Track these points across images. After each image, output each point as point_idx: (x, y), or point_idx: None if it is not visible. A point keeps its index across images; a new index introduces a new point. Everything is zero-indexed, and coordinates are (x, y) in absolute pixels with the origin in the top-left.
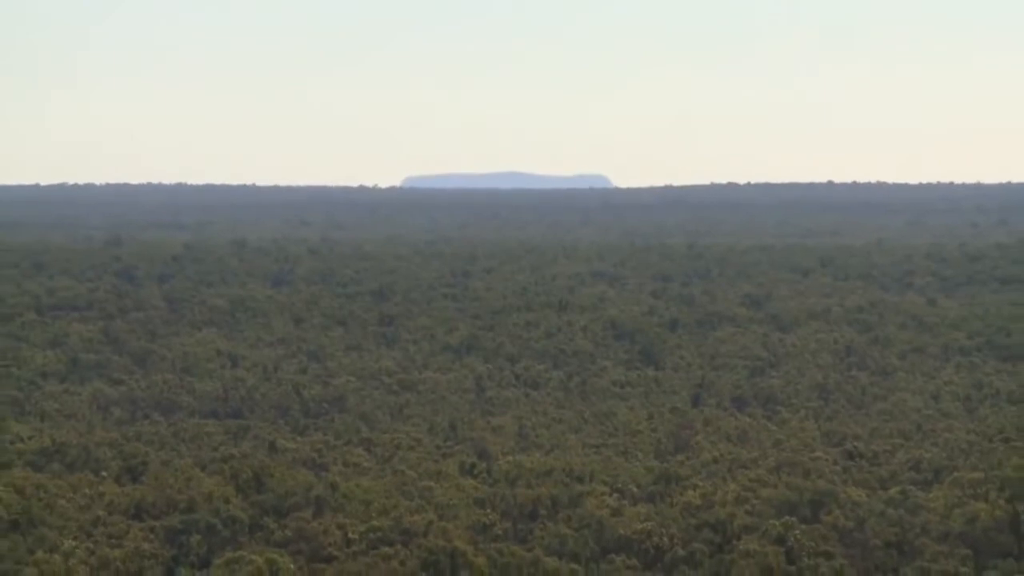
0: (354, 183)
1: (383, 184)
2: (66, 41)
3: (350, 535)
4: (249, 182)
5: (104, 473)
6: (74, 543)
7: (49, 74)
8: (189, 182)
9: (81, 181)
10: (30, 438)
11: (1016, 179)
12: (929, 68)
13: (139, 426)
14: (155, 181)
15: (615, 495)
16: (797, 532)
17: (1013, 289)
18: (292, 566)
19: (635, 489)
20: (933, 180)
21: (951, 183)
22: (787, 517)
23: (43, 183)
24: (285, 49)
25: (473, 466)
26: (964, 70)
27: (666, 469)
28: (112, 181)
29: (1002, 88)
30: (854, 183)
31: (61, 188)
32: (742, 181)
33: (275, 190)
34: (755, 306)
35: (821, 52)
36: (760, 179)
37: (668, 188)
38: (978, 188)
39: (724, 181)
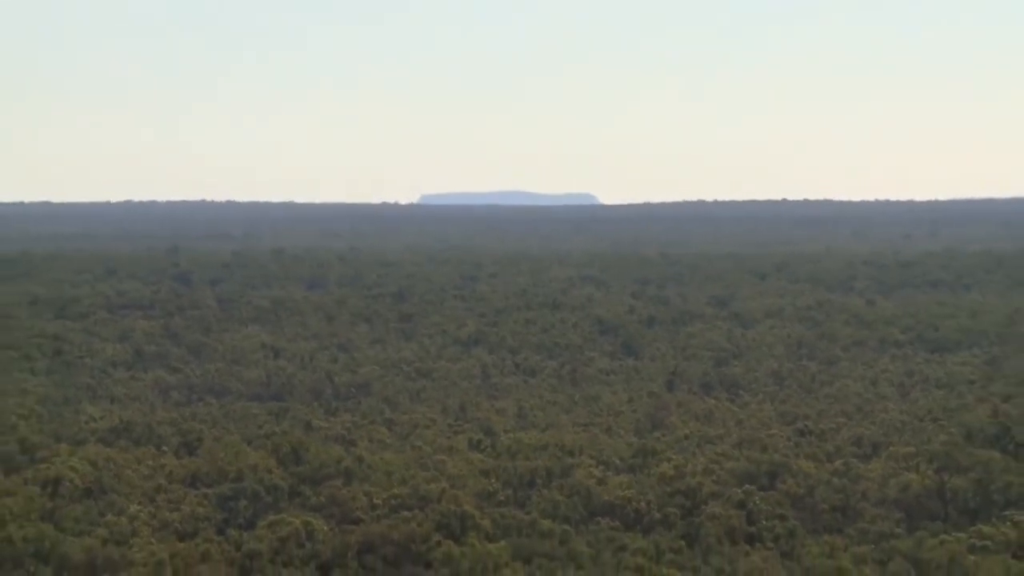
0: (377, 200)
1: (402, 201)
2: (125, 76)
3: (375, 501)
4: (288, 199)
5: (165, 448)
6: (139, 508)
7: (119, 104)
8: (237, 200)
9: (145, 199)
10: (101, 418)
11: (943, 197)
12: (867, 101)
13: (195, 408)
14: (208, 199)
15: (600, 467)
16: (756, 498)
17: (940, 291)
18: (325, 527)
19: (618, 461)
20: (872, 198)
21: (887, 200)
22: (747, 485)
23: (112, 200)
24: (322, 87)
25: (479, 442)
26: (897, 104)
27: (644, 444)
28: (171, 199)
29: (929, 118)
30: (805, 200)
31: (127, 205)
32: (709, 199)
33: (310, 206)
34: (720, 305)
35: (776, 88)
36: (725, 197)
37: (646, 204)
38: (911, 204)
39: (694, 199)
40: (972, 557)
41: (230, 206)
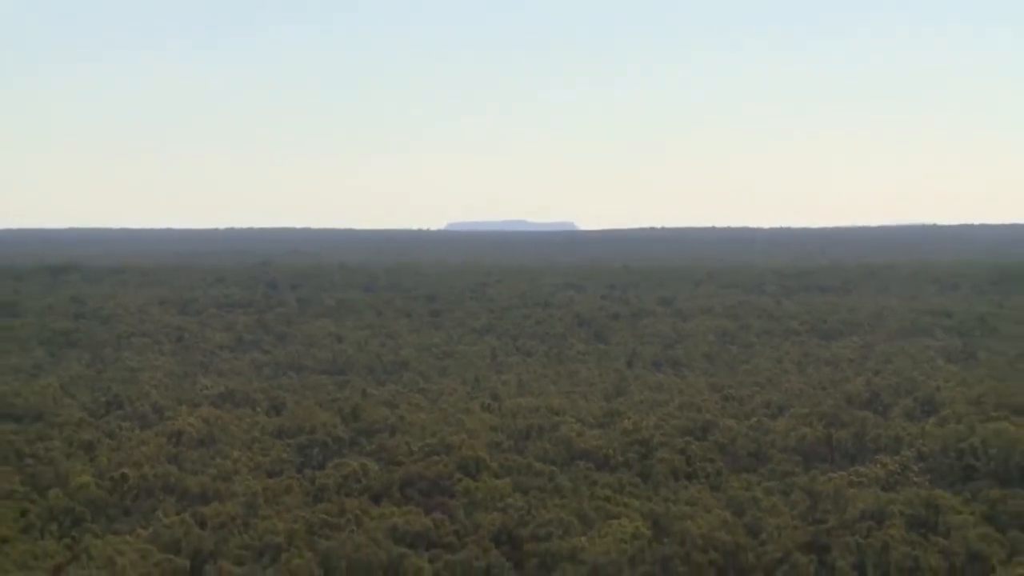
0: (414, 226)
1: (433, 227)
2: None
3: (412, 448)
4: (349, 227)
5: (258, 409)
6: (239, 453)
7: (226, 153)
8: (311, 227)
9: (243, 226)
10: (212, 387)
11: (832, 224)
12: (768, 147)
13: (280, 380)
14: (290, 226)
15: (579, 423)
16: (693, 446)
17: (828, 294)
18: (376, 468)
19: (591, 419)
20: (778, 225)
21: (790, 227)
22: (687, 437)
23: (220, 227)
24: (370, 143)
25: (489, 405)
26: (792, 148)
27: (611, 407)
28: (264, 226)
29: (818, 160)
30: (728, 227)
31: (231, 231)
32: (659, 226)
33: (365, 231)
34: (667, 304)
35: (707, 138)
36: (670, 224)
37: (613, 230)
38: (807, 230)
39: (648, 226)
40: (851, 489)
41: (307, 231)
